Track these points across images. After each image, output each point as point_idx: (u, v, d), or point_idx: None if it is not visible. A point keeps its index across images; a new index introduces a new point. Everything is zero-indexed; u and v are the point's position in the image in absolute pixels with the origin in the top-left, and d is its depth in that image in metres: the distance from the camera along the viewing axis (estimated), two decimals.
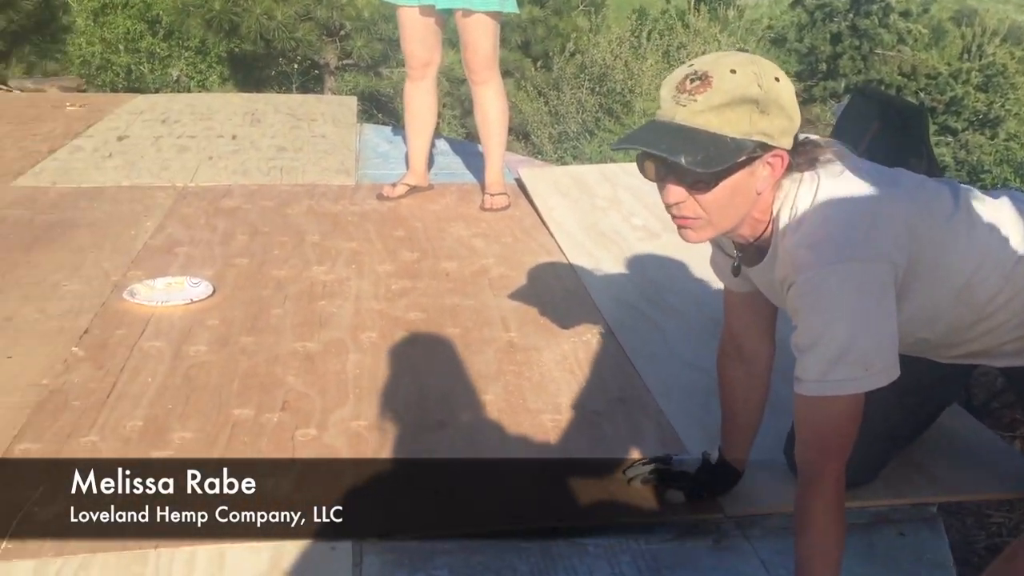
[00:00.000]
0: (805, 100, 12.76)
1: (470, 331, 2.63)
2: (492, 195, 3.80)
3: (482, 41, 3.62)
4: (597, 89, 10.15)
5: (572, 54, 11.60)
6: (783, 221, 1.47)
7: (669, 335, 2.62)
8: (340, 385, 2.30)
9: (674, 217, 1.45)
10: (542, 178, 4.06)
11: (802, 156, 1.46)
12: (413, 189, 3.93)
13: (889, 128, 3.20)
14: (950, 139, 12.76)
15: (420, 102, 3.85)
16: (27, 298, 2.77)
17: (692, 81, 1.36)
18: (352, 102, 5.94)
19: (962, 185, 1.65)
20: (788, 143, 1.43)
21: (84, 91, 7.80)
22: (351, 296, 2.85)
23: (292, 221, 3.57)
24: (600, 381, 2.35)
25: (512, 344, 2.56)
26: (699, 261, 3.15)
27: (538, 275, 3.06)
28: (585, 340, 2.60)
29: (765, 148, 1.39)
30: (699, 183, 1.39)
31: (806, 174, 1.47)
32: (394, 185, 3.92)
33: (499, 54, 3.79)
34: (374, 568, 1.70)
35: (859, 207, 1.44)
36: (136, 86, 12.51)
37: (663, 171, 1.41)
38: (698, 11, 13.49)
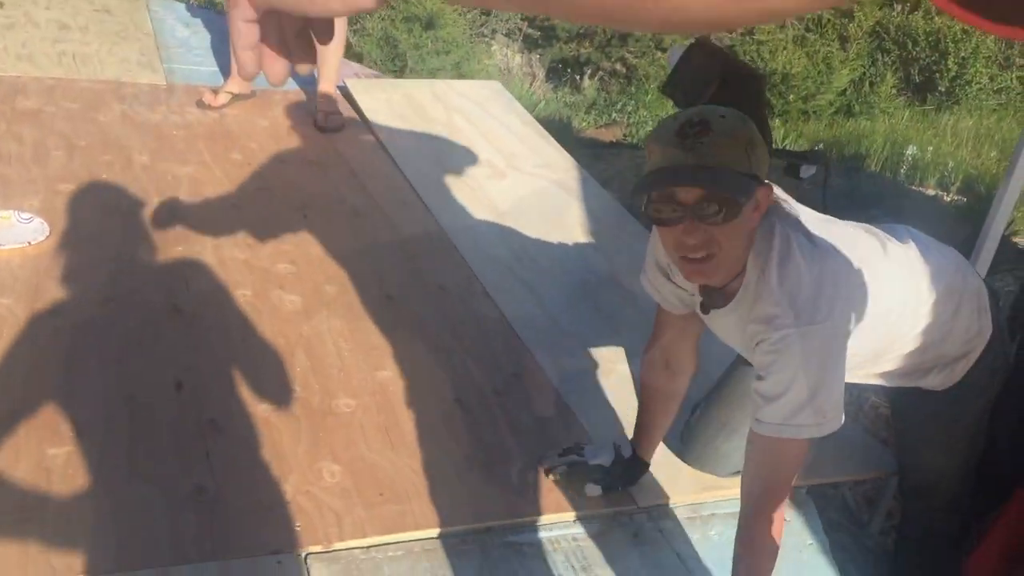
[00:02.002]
0: None
1: (346, 288, 2.58)
2: (328, 113, 3.63)
3: None
4: None
5: None
6: (755, 275, 1.59)
7: (546, 300, 2.71)
8: (232, 360, 2.20)
9: (686, 260, 1.51)
10: (372, 93, 3.92)
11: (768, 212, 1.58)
12: (236, 96, 3.67)
13: (728, 89, 3.40)
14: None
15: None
16: None
17: (692, 127, 1.45)
18: None
19: (876, 229, 1.84)
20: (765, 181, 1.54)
21: None
22: (208, 243, 2.67)
23: (110, 133, 3.23)
24: (493, 357, 2.41)
25: (395, 307, 2.54)
26: (551, 206, 3.26)
27: (397, 220, 3.02)
28: (464, 301, 2.63)
29: (759, 183, 1.49)
30: (722, 215, 1.45)
31: (776, 228, 1.58)
32: (215, 92, 3.63)
33: None
34: None
35: (826, 271, 1.59)
36: None
37: (683, 213, 1.46)
38: None
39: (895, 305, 1.73)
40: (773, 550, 1.63)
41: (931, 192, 6.23)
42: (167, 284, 2.44)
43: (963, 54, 8.50)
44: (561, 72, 13.31)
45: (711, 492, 2.08)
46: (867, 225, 1.86)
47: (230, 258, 2.61)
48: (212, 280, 2.49)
